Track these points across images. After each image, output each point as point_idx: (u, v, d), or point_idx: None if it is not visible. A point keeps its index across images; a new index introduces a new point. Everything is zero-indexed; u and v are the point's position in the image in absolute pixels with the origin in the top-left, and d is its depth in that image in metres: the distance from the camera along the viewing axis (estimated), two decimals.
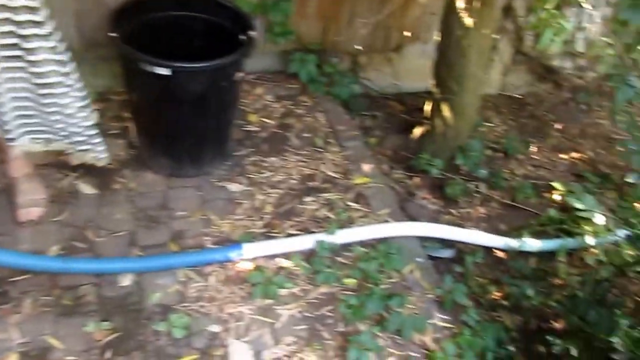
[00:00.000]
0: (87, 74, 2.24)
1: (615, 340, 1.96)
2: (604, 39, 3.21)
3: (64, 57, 1.85)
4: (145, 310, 2.00)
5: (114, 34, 2.12)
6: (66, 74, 1.88)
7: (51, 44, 1.78)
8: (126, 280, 2.07)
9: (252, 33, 2.32)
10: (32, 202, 2.18)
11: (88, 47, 2.66)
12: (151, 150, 2.49)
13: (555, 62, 3.53)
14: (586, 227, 2.72)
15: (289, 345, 1.99)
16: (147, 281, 2.08)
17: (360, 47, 3.12)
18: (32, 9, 1.69)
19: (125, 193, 2.38)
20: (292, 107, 2.98)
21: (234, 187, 2.52)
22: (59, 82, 1.86)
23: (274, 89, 3.06)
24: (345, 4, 2.97)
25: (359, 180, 2.66)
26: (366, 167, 2.73)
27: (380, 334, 2.08)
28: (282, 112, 2.94)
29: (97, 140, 2.15)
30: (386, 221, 2.49)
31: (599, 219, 2.73)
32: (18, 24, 1.70)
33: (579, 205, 2.77)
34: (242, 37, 2.33)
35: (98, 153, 2.19)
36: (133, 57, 2.10)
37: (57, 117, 1.96)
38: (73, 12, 2.60)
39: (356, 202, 2.56)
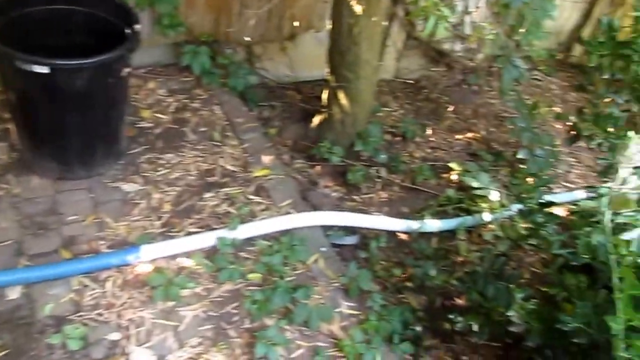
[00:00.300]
0: None
1: (512, 313, 2.06)
2: (488, 22, 3.35)
3: None
4: (36, 324, 1.91)
5: None
6: None
7: None
8: (14, 293, 1.97)
9: (136, 27, 2.24)
10: None
11: None
12: (36, 153, 2.37)
13: (446, 46, 3.66)
14: (483, 205, 2.86)
15: (194, 347, 1.97)
16: (37, 292, 1.99)
17: (252, 38, 3.10)
18: None
19: (9, 200, 2.25)
20: (187, 100, 2.92)
21: (128, 187, 2.45)
22: None
23: (167, 82, 2.99)
24: None
25: (259, 172, 2.65)
26: (266, 159, 2.73)
27: (288, 327, 2.10)
28: (177, 106, 2.88)
29: None
30: (288, 212, 2.50)
31: (494, 195, 2.86)
32: None
33: (474, 184, 2.89)
34: (126, 30, 2.25)
35: None
36: (6, 55, 1.98)
37: None
38: None
39: (257, 195, 2.56)
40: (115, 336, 1.93)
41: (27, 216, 2.21)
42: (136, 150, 2.60)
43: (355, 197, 2.92)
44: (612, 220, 1.72)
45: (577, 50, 4.34)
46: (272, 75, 3.35)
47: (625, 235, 1.71)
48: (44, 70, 1.98)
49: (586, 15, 4.23)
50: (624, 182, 1.83)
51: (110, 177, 2.45)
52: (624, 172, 1.82)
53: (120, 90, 2.37)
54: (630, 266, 1.62)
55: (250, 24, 2.93)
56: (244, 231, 2.32)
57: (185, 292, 2.10)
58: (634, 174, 1.81)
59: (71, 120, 2.25)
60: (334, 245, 2.57)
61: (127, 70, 2.28)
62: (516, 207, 2.74)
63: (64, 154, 2.35)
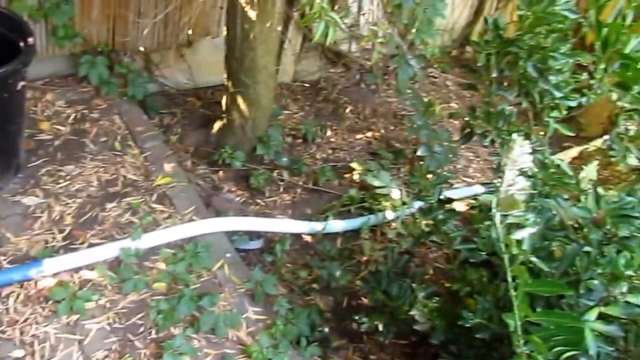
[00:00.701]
0: None
1: (415, 312, 2.16)
2: (382, 22, 3.50)
3: None
4: None
5: None
6: None
7: None
8: None
9: (30, 40, 2.27)
10: None
11: None
12: None
13: (343, 47, 3.81)
14: (385, 203, 3.01)
15: None
16: None
17: (149, 46, 3.14)
18: None
19: None
20: (86, 111, 2.94)
21: (29, 200, 2.46)
22: None
23: (65, 93, 2.99)
24: (129, 2, 2.96)
25: (161, 180, 2.72)
26: (168, 167, 2.80)
27: (195, 336, 2.17)
28: (76, 117, 2.90)
29: None
30: (192, 220, 2.58)
31: (395, 193, 3.02)
32: None
33: (376, 183, 3.05)
34: (20, 43, 2.27)
35: None
36: None
37: None
38: None
39: (160, 204, 2.62)
40: (18, 353, 1.96)
41: None
42: (36, 163, 2.60)
43: (259, 201, 3.04)
44: (501, 222, 1.75)
45: (470, 47, 4.59)
46: (171, 82, 3.41)
47: (516, 235, 1.77)
48: None
49: (477, 12, 4.50)
50: (511, 183, 1.89)
51: (10, 191, 2.46)
52: (510, 173, 1.82)
53: (17, 103, 2.38)
54: (525, 263, 1.71)
55: (146, 32, 2.97)
56: (147, 241, 2.38)
57: (89, 305, 2.15)
58: (519, 175, 1.89)
59: None
60: (239, 251, 2.67)
61: (22, 83, 2.30)
62: (417, 204, 2.85)
63: None
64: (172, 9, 2.89)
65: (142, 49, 3.13)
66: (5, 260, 2.21)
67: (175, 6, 2.88)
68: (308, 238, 2.90)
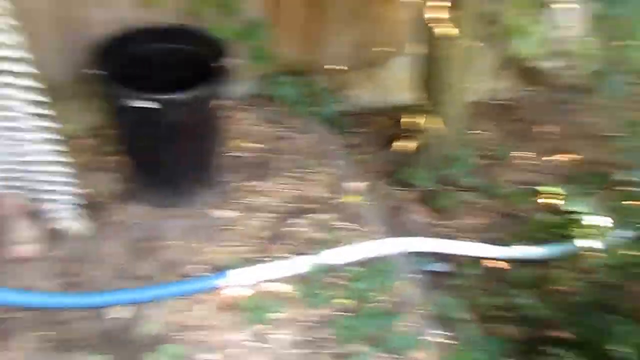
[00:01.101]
0: (76, 110, 2.36)
1: (620, 348, 1.99)
2: (586, 36, 3.28)
3: (41, 111, 1.94)
4: (137, 342, 2.07)
5: (96, 70, 2.23)
6: (39, 125, 1.96)
7: (26, 96, 1.87)
8: (118, 313, 2.15)
9: (228, 60, 2.42)
10: (25, 240, 2.29)
11: (78, 83, 2.75)
12: (141, 183, 2.58)
13: (541, 64, 3.61)
14: (582, 230, 2.78)
15: None
16: (138, 313, 2.16)
17: (340, 65, 3.21)
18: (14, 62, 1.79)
19: (117, 226, 2.47)
20: (277, 129, 3.07)
21: (223, 213, 2.61)
22: (30, 129, 1.95)
23: (257, 113, 3.15)
24: (322, 23, 3.06)
25: (348, 198, 2.74)
26: (355, 185, 2.82)
27: (377, 354, 2.13)
28: (267, 135, 3.03)
29: (70, 198, 2.21)
30: (378, 238, 2.56)
31: (596, 220, 2.77)
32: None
33: (573, 208, 2.82)
34: (219, 64, 2.43)
35: (67, 214, 2.25)
36: (114, 92, 2.21)
37: (29, 162, 2.04)
38: (60, 50, 2.72)
39: (347, 221, 2.64)
40: (210, 356, 2.06)
41: (130, 241, 2.42)
42: (228, 179, 2.76)
43: (445, 222, 2.94)
44: None
45: None
46: (360, 101, 3.45)
47: None
48: (146, 105, 2.17)
49: None
50: None
51: (204, 205, 2.62)
52: None
53: (214, 121, 2.55)
54: None
55: (337, 52, 3.04)
56: (333, 257, 2.40)
57: (275, 316, 2.21)
58: None
59: (170, 151, 2.44)
60: (425, 272, 2.60)
61: (220, 102, 2.45)
62: (621, 232, 2.65)
63: (165, 184, 2.56)
64: (364, 28, 2.93)
65: (332, 68, 3.21)
66: (198, 269, 2.34)
67: (367, 26, 2.93)
68: (497, 263, 2.75)
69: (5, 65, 1.81)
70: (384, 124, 3.46)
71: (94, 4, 2.64)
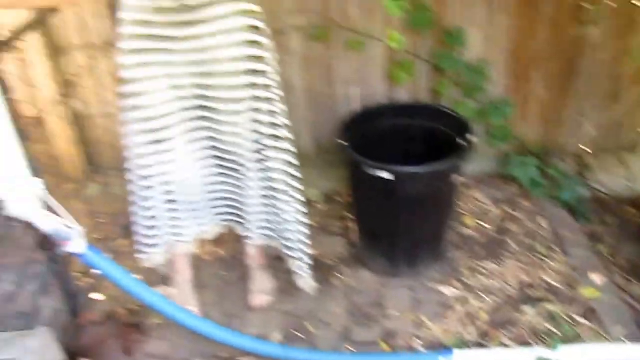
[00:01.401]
0: (316, 177, 2.57)
1: None
2: None
3: (292, 171, 2.13)
4: None
5: (342, 141, 2.41)
6: (291, 186, 2.15)
7: (284, 157, 2.08)
8: None
9: (471, 137, 2.45)
10: (262, 290, 2.50)
11: (319, 153, 3.03)
12: (369, 250, 2.68)
13: None
14: None
15: None
16: None
17: (586, 148, 3.07)
18: (275, 126, 2.02)
19: (342, 289, 2.58)
20: (511, 211, 2.99)
21: (447, 290, 2.58)
22: (284, 191, 2.14)
23: (492, 192, 3.11)
24: (570, 103, 2.97)
25: (586, 292, 2.55)
26: (596, 278, 2.61)
27: None
28: (500, 216, 2.97)
29: (301, 258, 2.33)
30: (621, 341, 2.33)
31: None
32: (263, 136, 2.03)
33: None
34: (461, 141, 2.47)
35: (301, 271, 2.38)
36: (358, 162, 2.36)
37: (278, 221, 2.23)
38: (310, 122, 3.02)
39: (583, 317, 2.44)
40: None
41: (355, 306, 2.50)
42: (457, 256, 2.74)
43: None
44: None
45: None
46: (607, 188, 3.22)
47: None
48: (387, 176, 2.28)
49: None
50: None
51: (431, 279, 2.62)
52: None
53: (450, 196, 2.57)
54: None
55: (585, 134, 2.92)
56: (566, 353, 2.23)
57: None
58: None
59: (403, 222, 2.51)
60: None
61: (457, 177, 2.48)
62: None
63: (392, 253, 2.62)
64: (616, 110, 2.79)
65: (582, 149, 3.07)
66: (419, 343, 2.33)
67: (620, 107, 2.78)
68: None
69: (272, 130, 2.03)
70: (633, 214, 3.18)
71: (345, 82, 2.89)
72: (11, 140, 1.70)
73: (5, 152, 1.70)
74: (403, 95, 2.92)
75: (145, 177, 2.07)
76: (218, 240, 2.73)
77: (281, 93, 2.02)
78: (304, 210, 2.24)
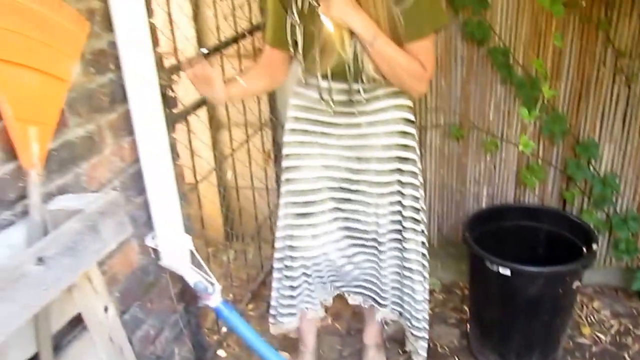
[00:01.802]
0: (437, 267, 2.73)
1: None
2: None
3: (425, 252, 2.31)
4: None
5: (467, 235, 2.58)
6: (424, 266, 2.32)
7: (420, 239, 2.27)
8: None
9: (594, 246, 2.52)
10: None
11: (443, 244, 3.20)
12: (481, 343, 2.76)
13: None
14: None
15: None
16: None
17: None
18: (415, 210, 2.22)
19: None
20: (631, 326, 2.97)
21: None
22: (418, 271, 2.31)
23: (612, 304, 3.10)
24: None
25: None
26: None
27: None
28: (618, 329, 2.95)
29: (424, 337, 2.43)
30: None
31: None
32: (404, 219, 2.23)
33: None
34: (583, 248, 2.56)
35: (421, 350, 2.46)
36: (480, 256, 2.50)
37: (408, 299, 2.39)
38: (437, 214, 3.20)
39: None
40: None
41: None
42: None
43: None
44: None
45: None
46: None
47: None
48: (507, 272, 2.40)
49: None
50: None
51: None
52: None
53: (568, 301, 2.62)
54: None
55: None
56: None
57: None
58: None
59: (518, 320, 2.58)
60: None
61: (577, 284, 2.54)
62: None
63: (504, 350, 2.68)
64: None
65: None
66: None
67: None
68: None
69: (412, 213, 2.21)
70: None
71: (476, 180, 3.07)
72: (174, 200, 2.00)
73: (169, 209, 1.99)
74: (531, 198, 3.04)
75: (291, 248, 2.23)
76: (336, 315, 2.92)
77: (422, 180, 2.23)
78: (427, 295, 2.39)
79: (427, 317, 2.39)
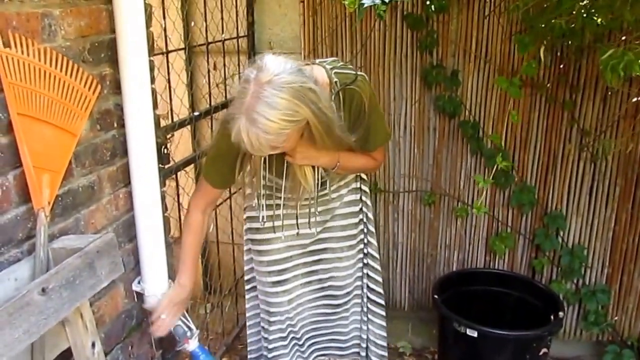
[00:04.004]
0: (408, 331, 3.02)
1: None
2: None
3: (381, 290, 2.59)
4: None
5: (436, 297, 2.87)
6: (382, 306, 2.60)
7: (378, 278, 2.57)
8: None
9: (560, 314, 2.81)
10: None
11: (414, 308, 3.49)
12: None
13: None
14: None
15: None
16: None
17: None
18: (372, 257, 2.55)
19: None
20: None
21: None
22: (378, 313, 2.59)
23: None
24: None
25: None
26: None
27: None
28: None
29: None
30: None
31: None
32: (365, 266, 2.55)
33: None
34: (551, 316, 2.84)
35: None
36: (448, 317, 2.78)
37: (370, 337, 2.65)
38: (408, 278, 3.50)
39: None
40: None
41: None
42: None
43: None
44: None
45: None
46: None
47: None
48: (474, 334, 2.69)
49: None
50: None
51: None
52: None
53: None
54: None
55: None
56: None
57: None
58: None
59: None
60: None
61: (544, 350, 2.81)
62: None
63: None
64: None
65: None
66: None
67: None
68: None
69: (369, 260, 2.55)
70: None
71: (447, 245, 3.40)
72: (161, 248, 2.29)
73: (156, 255, 2.27)
74: (500, 264, 3.35)
75: (268, 313, 2.45)
76: None
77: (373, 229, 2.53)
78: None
79: (385, 354, 2.65)
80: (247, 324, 2.66)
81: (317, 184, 2.25)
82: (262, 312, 2.53)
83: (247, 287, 2.61)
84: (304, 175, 2.16)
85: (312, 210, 2.33)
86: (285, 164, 2.17)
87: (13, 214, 1.66)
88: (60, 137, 1.78)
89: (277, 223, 2.34)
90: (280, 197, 2.29)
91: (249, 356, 2.70)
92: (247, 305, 2.64)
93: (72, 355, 1.88)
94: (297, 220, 2.35)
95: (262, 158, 2.15)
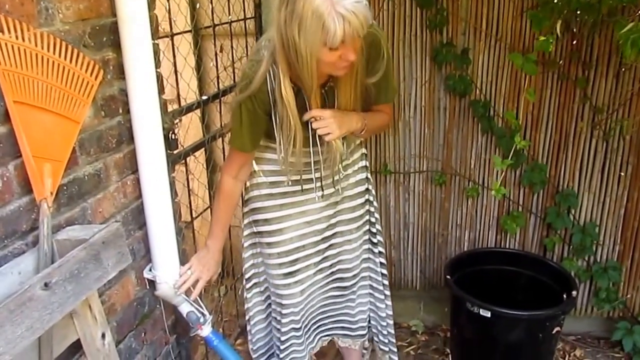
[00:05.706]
0: (420, 309, 2.88)
1: None
2: None
3: (385, 271, 2.50)
4: None
5: (449, 277, 2.74)
6: (385, 285, 2.51)
7: (380, 260, 2.48)
8: None
9: (573, 293, 2.69)
10: None
11: (426, 287, 3.37)
12: None
13: None
14: None
15: None
16: None
17: None
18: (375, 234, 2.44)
19: None
20: None
21: None
22: (382, 291, 2.51)
23: (594, 354, 3.21)
24: None
25: None
26: None
27: None
28: None
29: (391, 350, 2.59)
30: None
31: None
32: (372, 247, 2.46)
33: None
34: (564, 295, 2.72)
35: None
36: (461, 298, 2.66)
37: (374, 315, 2.58)
38: (420, 258, 3.37)
39: None
40: None
41: None
42: None
43: None
44: None
45: None
46: None
47: None
48: (487, 314, 2.56)
49: None
50: None
51: None
52: None
53: (547, 347, 2.77)
54: None
55: None
56: None
57: None
58: None
59: None
60: None
61: (557, 329, 2.70)
62: None
63: None
64: None
65: None
66: None
67: None
68: None
69: (373, 238, 2.46)
70: None
71: (458, 225, 3.26)
72: (171, 235, 2.17)
73: (167, 242, 2.16)
74: (512, 244, 3.22)
75: (281, 305, 2.35)
76: (319, 354, 3.05)
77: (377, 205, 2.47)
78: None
79: (392, 331, 2.57)
80: (252, 322, 2.54)
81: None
82: (273, 304, 2.43)
83: (247, 285, 2.49)
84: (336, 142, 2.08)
85: (337, 177, 2.25)
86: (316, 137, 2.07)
87: (16, 205, 1.54)
88: (61, 125, 1.64)
89: (310, 186, 2.24)
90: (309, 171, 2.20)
91: (256, 353, 2.61)
92: (249, 304, 2.52)
93: (82, 347, 1.76)
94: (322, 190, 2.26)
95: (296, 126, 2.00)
